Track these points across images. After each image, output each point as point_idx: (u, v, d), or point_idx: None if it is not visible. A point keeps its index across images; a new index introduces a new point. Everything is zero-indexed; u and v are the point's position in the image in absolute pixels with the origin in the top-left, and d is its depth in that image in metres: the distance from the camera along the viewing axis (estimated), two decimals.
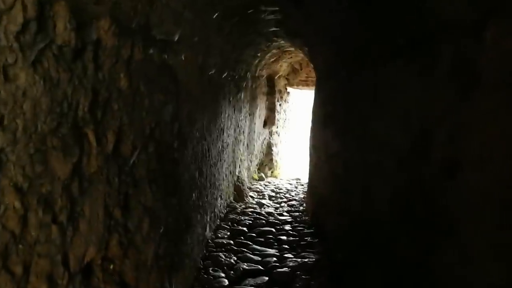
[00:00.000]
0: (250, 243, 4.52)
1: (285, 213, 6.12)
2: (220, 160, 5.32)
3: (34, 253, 1.27)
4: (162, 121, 2.48)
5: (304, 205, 6.80)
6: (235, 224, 5.17)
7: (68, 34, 1.38)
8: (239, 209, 6.08)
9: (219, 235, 4.68)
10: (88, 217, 1.59)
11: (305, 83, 10.05)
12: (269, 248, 4.44)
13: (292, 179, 9.60)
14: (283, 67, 9.67)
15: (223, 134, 5.37)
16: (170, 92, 2.64)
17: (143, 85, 2.16)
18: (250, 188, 7.88)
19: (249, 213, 5.85)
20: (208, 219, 4.47)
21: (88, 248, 1.60)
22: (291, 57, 9.33)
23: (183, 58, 2.97)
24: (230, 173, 6.37)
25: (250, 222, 5.28)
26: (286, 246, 4.47)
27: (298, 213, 5.98)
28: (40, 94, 1.26)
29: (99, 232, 1.69)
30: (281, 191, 8.10)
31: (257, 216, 5.67)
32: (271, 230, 4.93)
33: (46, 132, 1.31)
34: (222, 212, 5.64)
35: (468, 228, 1.45)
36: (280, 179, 9.60)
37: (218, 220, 5.23)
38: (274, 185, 8.71)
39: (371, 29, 2.86)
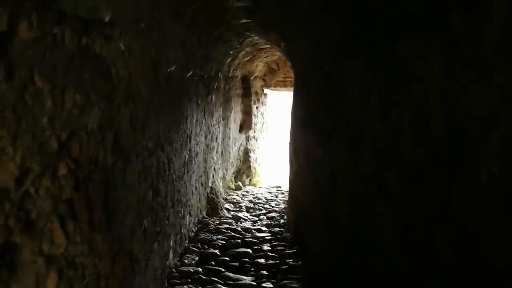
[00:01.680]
0: (222, 270, 3.83)
1: (263, 228, 5.45)
2: (188, 172, 4.63)
3: None
4: (82, 130, 1.78)
5: (285, 217, 6.15)
6: (205, 246, 4.47)
7: None
8: (212, 226, 5.39)
9: (186, 261, 3.98)
10: None
11: (283, 84, 9.43)
12: (244, 275, 3.76)
13: (272, 187, 8.94)
14: (259, 67, 9.03)
15: (190, 142, 4.68)
16: (98, 91, 1.94)
17: (43, 79, 1.47)
18: (226, 200, 7.19)
19: (223, 230, 5.16)
20: (172, 244, 3.77)
21: None
22: (267, 56, 8.70)
23: (122, 48, 2.28)
24: (202, 185, 5.67)
25: (224, 242, 4.59)
26: (265, 272, 3.80)
27: (278, 228, 5.32)
28: None
29: None
30: (259, 201, 7.44)
31: (232, 234, 4.98)
32: (247, 252, 4.26)
33: None
34: (192, 231, 4.93)
35: None
36: (259, 187, 8.94)
37: (187, 242, 4.52)
38: (253, 194, 8.03)
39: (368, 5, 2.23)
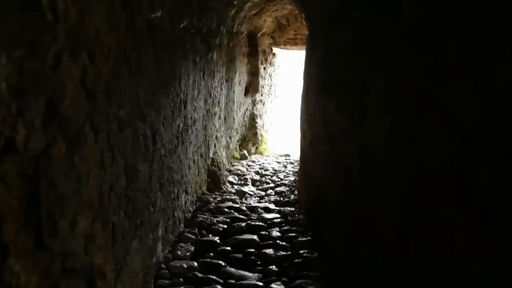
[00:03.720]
0: (223, 264, 3.17)
1: (271, 206, 4.77)
2: (183, 143, 3.90)
3: None
4: None
5: (296, 192, 5.47)
6: (204, 231, 3.80)
7: None
8: (213, 204, 4.71)
9: (179, 252, 3.31)
10: None
11: (293, 42, 8.51)
12: (249, 271, 3.10)
13: (280, 156, 8.23)
14: (267, 22, 8.09)
15: (185, 107, 3.92)
16: (9, 30, 1.17)
17: None
18: (229, 171, 6.50)
19: (225, 209, 4.48)
20: (161, 233, 3.09)
21: None
22: (276, 10, 7.75)
23: None
24: (201, 156, 4.96)
25: (225, 226, 3.92)
26: (274, 268, 3.13)
27: (288, 208, 4.63)
28: None
29: None
30: (267, 172, 6.74)
31: (235, 214, 4.31)
32: (253, 240, 3.59)
33: None
34: (190, 211, 4.26)
35: None
36: (266, 156, 8.22)
37: (182, 225, 3.85)
38: (259, 164, 7.33)
39: None
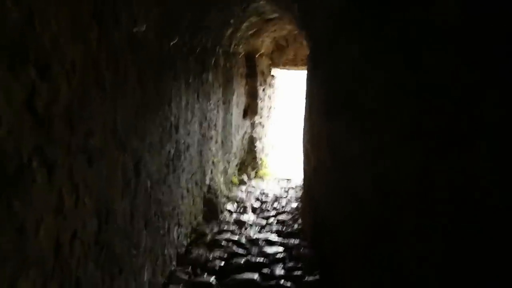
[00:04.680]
0: None
1: (274, 238, 4.35)
2: (174, 171, 3.53)
3: None
4: None
5: (299, 221, 5.06)
6: (198, 270, 3.39)
7: None
8: (209, 236, 4.30)
9: None
10: None
11: (293, 63, 8.23)
12: None
13: (282, 180, 7.83)
14: (265, 43, 7.83)
15: (176, 132, 3.56)
16: None
17: None
18: (227, 198, 6.10)
19: (223, 242, 4.07)
20: (147, 277, 2.68)
21: None
22: (275, 30, 7.50)
23: None
24: (196, 184, 4.58)
25: (222, 263, 3.50)
26: None
27: (293, 240, 4.21)
28: None
29: None
30: (267, 199, 6.34)
31: (234, 248, 3.90)
32: (254, 281, 3.18)
33: None
34: (183, 245, 3.85)
35: None
36: (267, 180, 7.83)
37: (174, 263, 3.44)
38: (259, 190, 6.93)
39: None
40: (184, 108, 3.87)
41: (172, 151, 3.46)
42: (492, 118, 1.10)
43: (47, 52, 1.39)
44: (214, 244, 4.02)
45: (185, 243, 3.97)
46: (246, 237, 4.35)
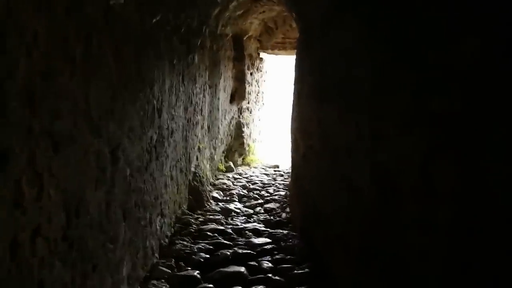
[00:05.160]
0: None
1: (261, 228, 4.20)
2: (157, 158, 3.32)
3: None
4: None
5: (288, 209, 4.91)
6: (181, 263, 3.21)
7: None
8: (195, 226, 4.12)
9: None
10: None
11: (282, 46, 8.01)
12: None
13: (269, 167, 7.67)
14: (253, 25, 7.58)
15: (159, 116, 3.35)
16: None
17: None
18: (214, 185, 5.92)
19: (208, 232, 3.90)
20: (126, 272, 2.49)
21: None
22: (264, 12, 7.26)
23: None
24: (181, 171, 4.38)
25: (208, 256, 3.33)
26: None
27: (280, 230, 4.06)
28: None
29: None
30: (255, 186, 6.17)
31: (220, 239, 3.73)
32: (240, 273, 3.01)
33: None
34: (166, 237, 3.66)
35: None
36: (254, 167, 7.66)
37: (156, 255, 3.26)
38: (246, 177, 6.76)
39: None
40: (168, 91, 3.64)
41: (155, 137, 3.24)
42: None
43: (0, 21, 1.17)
44: (199, 235, 3.84)
45: (169, 233, 3.78)
46: (232, 227, 4.18)
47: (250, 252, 3.39)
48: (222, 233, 3.92)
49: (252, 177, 6.77)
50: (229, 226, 4.19)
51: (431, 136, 1.37)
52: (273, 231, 4.05)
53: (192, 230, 3.97)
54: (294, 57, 5.26)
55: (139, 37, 2.72)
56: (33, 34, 1.37)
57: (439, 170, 1.30)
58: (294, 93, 5.05)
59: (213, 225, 4.15)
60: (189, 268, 3.10)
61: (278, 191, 5.91)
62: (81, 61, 1.76)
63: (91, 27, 1.89)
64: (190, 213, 4.53)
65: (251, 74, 7.98)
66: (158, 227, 3.40)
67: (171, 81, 3.74)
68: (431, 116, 1.37)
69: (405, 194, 1.58)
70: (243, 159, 7.77)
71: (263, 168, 7.61)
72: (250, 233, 3.98)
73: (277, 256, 3.35)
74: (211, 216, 4.51)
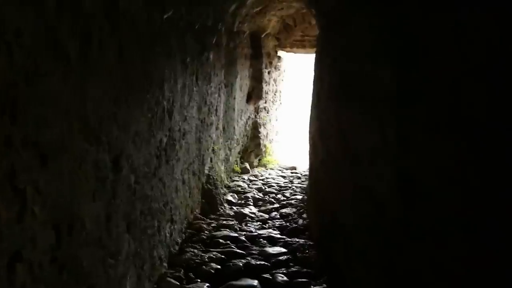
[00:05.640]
0: None
1: (276, 235, 4.00)
2: (167, 162, 3.15)
3: None
4: None
5: (305, 215, 4.70)
6: (191, 274, 3.03)
7: None
8: (207, 232, 3.94)
9: None
10: None
11: (300, 44, 7.76)
12: None
13: (286, 169, 7.45)
14: (271, 22, 7.36)
15: (170, 118, 3.17)
16: None
17: None
18: (228, 188, 5.74)
19: (221, 239, 3.72)
20: (129, 287, 2.33)
21: None
22: (282, 9, 7.03)
23: None
24: (194, 174, 4.21)
25: (219, 266, 3.15)
26: None
27: (296, 239, 3.85)
28: None
29: None
30: (271, 189, 5.97)
31: (233, 247, 3.54)
32: (253, 287, 2.81)
33: None
34: (176, 244, 3.50)
35: None
36: (271, 169, 7.45)
37: (165, 266, 3.09)
38: (262, 179, 6.56)
39: None
40: (180, 91, 3.47)
41: (165, 140, 3.07)
42: None
43: None
44: (211, 242, 3.67)
45: (179, 240, 3.61)
46: (246, 234, 3.99)
47: (264, 264, 3.19)
48: (235, 240, 3.74)
49: (268, 179, 6.57)
50: (243, 233, 4.00)
51: (469, 141, 1.15)
52: (289, 239, 3.84)
53: (204, 237, 3.79)
54: (313, 55, 5.03)
55: (147, 34, 2.55)
56: (14, 31, 1.20)
57: (476, 179, 1.08)
58: (312, 93, 4.82)
59: (226, 232, 3.96)
60: (199, 280, 2.92)
61: (295, 194, 5.70)
62: (77, 61, 1.59)
63: (90, 24, 1.71)
64: (203, 217, 4.36)
65: (268, 72, 7.76)
66: (167, 234, 3.23)
67: (184, 80, 3.57)
68: (467, 120, 1.15)
69: (436, 205, 1.36)
70: (259, 160, 7.57)
71: (279, 170, 7.40)
72: (265, 241, 3.79)
73: (292, 269, 3.14)
74: (224, 222, 4.32)
